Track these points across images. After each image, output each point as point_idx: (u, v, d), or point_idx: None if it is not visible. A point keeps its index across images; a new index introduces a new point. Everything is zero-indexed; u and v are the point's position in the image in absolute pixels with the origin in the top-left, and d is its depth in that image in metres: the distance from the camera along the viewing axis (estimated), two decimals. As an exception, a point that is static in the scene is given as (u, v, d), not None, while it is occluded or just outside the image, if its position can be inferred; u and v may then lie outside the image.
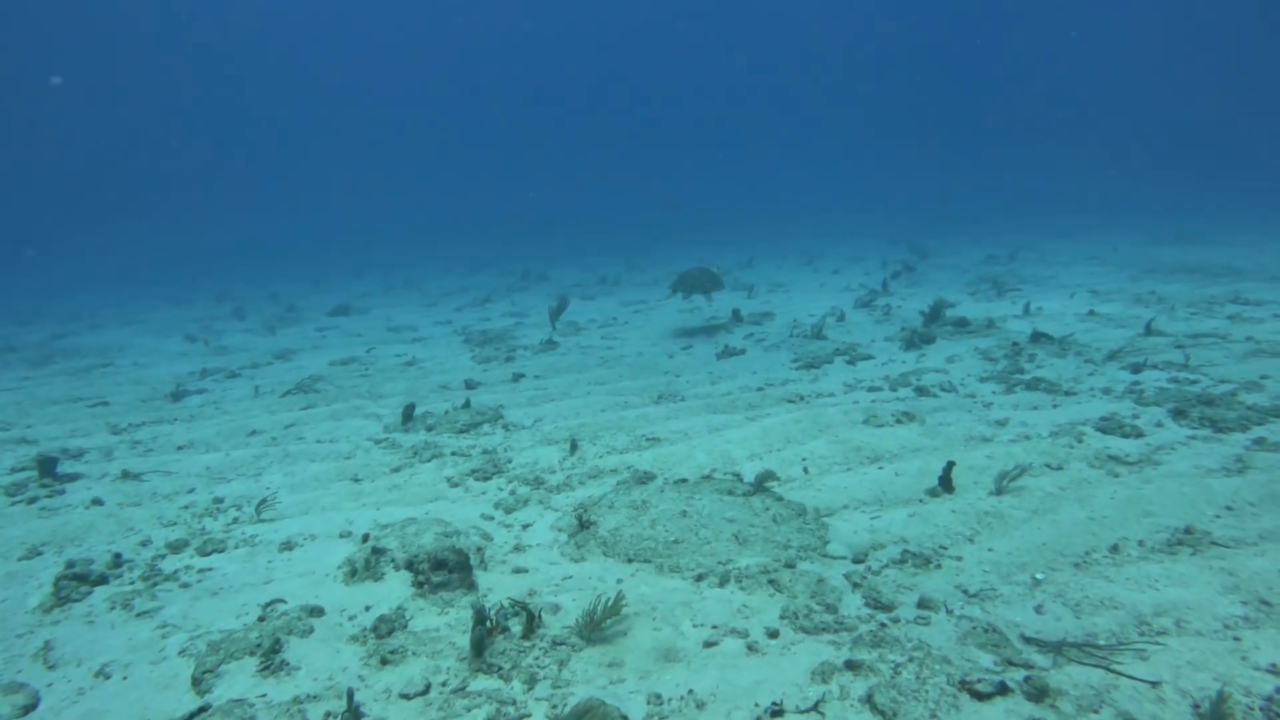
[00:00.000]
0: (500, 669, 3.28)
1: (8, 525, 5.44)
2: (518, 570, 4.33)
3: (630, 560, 4.35)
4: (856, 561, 4.26)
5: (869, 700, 2.97)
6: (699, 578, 4.09)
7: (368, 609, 3.97)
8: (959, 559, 4.20)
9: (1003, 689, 2.97)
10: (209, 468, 6.60)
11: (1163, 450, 5.48)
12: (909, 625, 3.54)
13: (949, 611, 3.64)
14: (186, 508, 5.66)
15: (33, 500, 5.87)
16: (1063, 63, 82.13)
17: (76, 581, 4.21)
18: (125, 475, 6.39)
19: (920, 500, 5.03)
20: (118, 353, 13.28)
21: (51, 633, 3.83)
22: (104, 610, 4.05)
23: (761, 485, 5.28)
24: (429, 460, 6.45)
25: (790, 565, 4.16)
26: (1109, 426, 5.99)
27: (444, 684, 3.23)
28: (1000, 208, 34.16)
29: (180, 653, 3.58)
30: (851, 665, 3.20)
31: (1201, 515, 4.41)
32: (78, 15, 69.43)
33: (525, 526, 5.00)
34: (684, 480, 5.58)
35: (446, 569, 4.07)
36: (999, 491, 4.99)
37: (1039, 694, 2.93)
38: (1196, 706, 2.83)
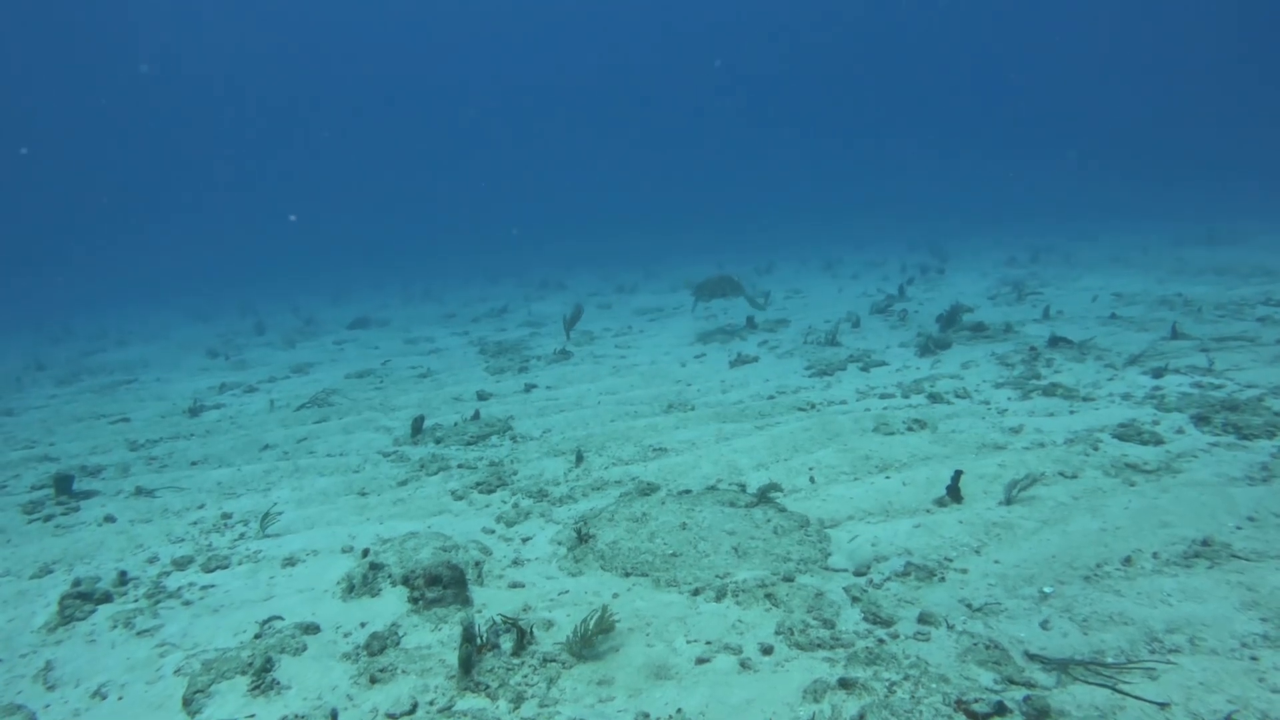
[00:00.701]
0: (488, 687, 3.24)
1: (23, 543, 5.53)
2: (514, 585, 4.30)
3: (627, 574, 4.29)
4: (858, 574, 4.17)
5: (861, 721, 2.88)
6: (696, 592, 4.03)
7: (363, 625, 3.95)
8: (964, 571, 4.09)
9: (1001, 709, 2.87)
10: (220, 483, 6.66)
11: (1183, 458, 5.31)
12: (908, 641, 3.45)
13: (950, 627, 3.54)
14: (195, 524, 5.71)
15: (49, 518, 5.96)
16: (1090, 64, 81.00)
17: (81, 600, 4.26)
18: (139, 492, 6.47)
19: (927, 510, 4.91)
20: (142, 368, 13.52)
21: (54, 653, 3.87)
22: (106, 629, 4.08)
23: (765, 496, 5.20)
24: (435, 473, 6.45)
25: (789, 579, 4.07)
26: (1127, 433, 5.82)
27: (431, 703, 3.20)
28: (1025, 211, 33.66)
29: (176, 672, 3.59)
30: (845, 684, 3.11)
31: (1221, 526, 4.25)
32: (108, 23, 71.39)
33: (525, 540, 4.96)
34: (687, 491, 5.52)
35: (441, 585, 4.05)
36: (1009, 501, 4.86)
37: (1039, 715, 2.83)
38: (1205, 729, 2.70)
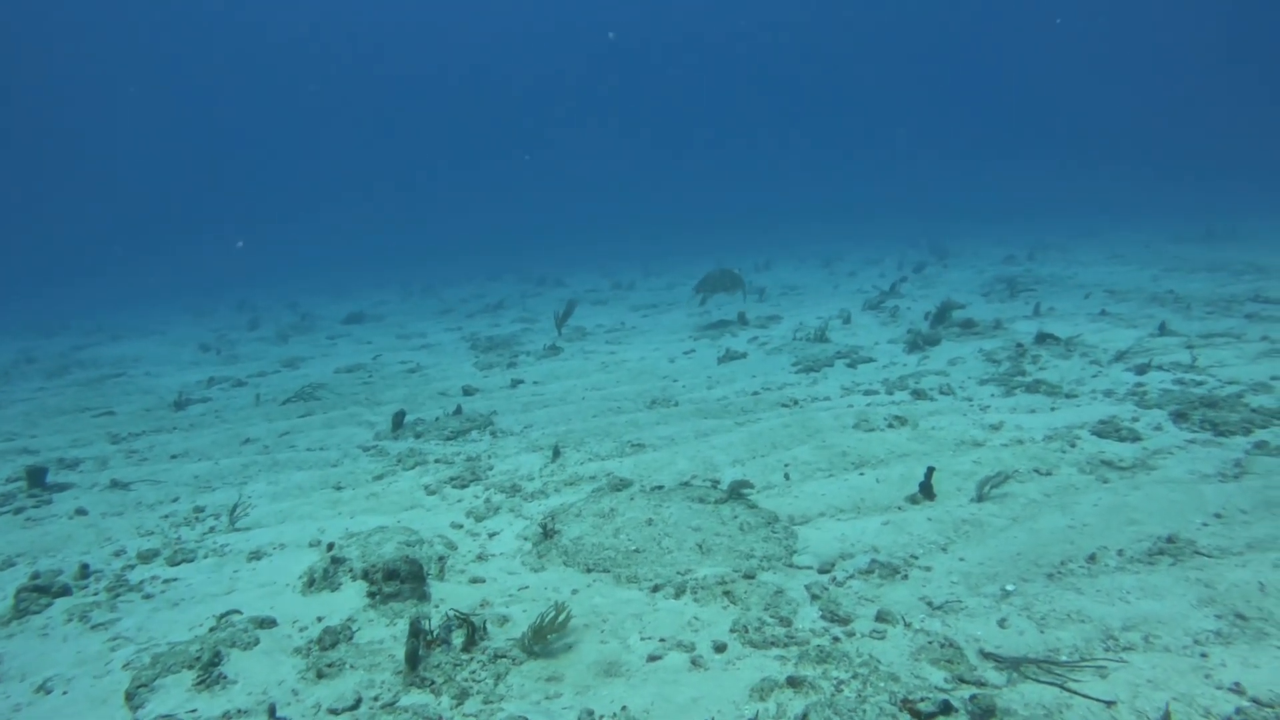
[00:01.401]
0: (433, 683, 3.21)
1: (-7, 535, 5.51)
2: (475, 580, 4.27)
3: (589, 570, 4.25)
4: (822, 572, 4.12)
5: None
6: (655, 589, 3.98)
7: (319, 620, 3.92)
8: (928, 569, 4.04)
9: (946, 708, 2.82)
10: (197, 476, 6.64)
11: (1159, 455, 5.25)
12: (863, 639, 3.40)
13: (907, 625, 3.49)
14: (166, 517, 5.69)
15: (19, 510, 5.95)
16: (1097, 63, 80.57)
17: (37, 593, 4.23)
18: (114, 485, 6.46)
19: (898, 508, 4.86)
20: (133, 363, 13.53)
21: (3, 646, 3.84)
22: (60, 623, 4.05)
23: (736, 492, 5.15)
24: (411, 468, 6.42)
25: (749, 576, 4.03)
26: (1106, 430, 5.76)
27: (375, 698, 3.17)
28: (1031, 210, 33.48)
29: (124, 666, 3.56)
30: (793, 682, 3.07)
31: (1188, 523, 4.19)
32: (142, 26, 71.79)
33: (492, 535, 4.93)
34: (659, 487, 5.47)
35: (399, 579, 4.02)
36: (980, 498, 4.81)
37: (984, 714, 2.78)
38: (1151, 729, 2.65)
